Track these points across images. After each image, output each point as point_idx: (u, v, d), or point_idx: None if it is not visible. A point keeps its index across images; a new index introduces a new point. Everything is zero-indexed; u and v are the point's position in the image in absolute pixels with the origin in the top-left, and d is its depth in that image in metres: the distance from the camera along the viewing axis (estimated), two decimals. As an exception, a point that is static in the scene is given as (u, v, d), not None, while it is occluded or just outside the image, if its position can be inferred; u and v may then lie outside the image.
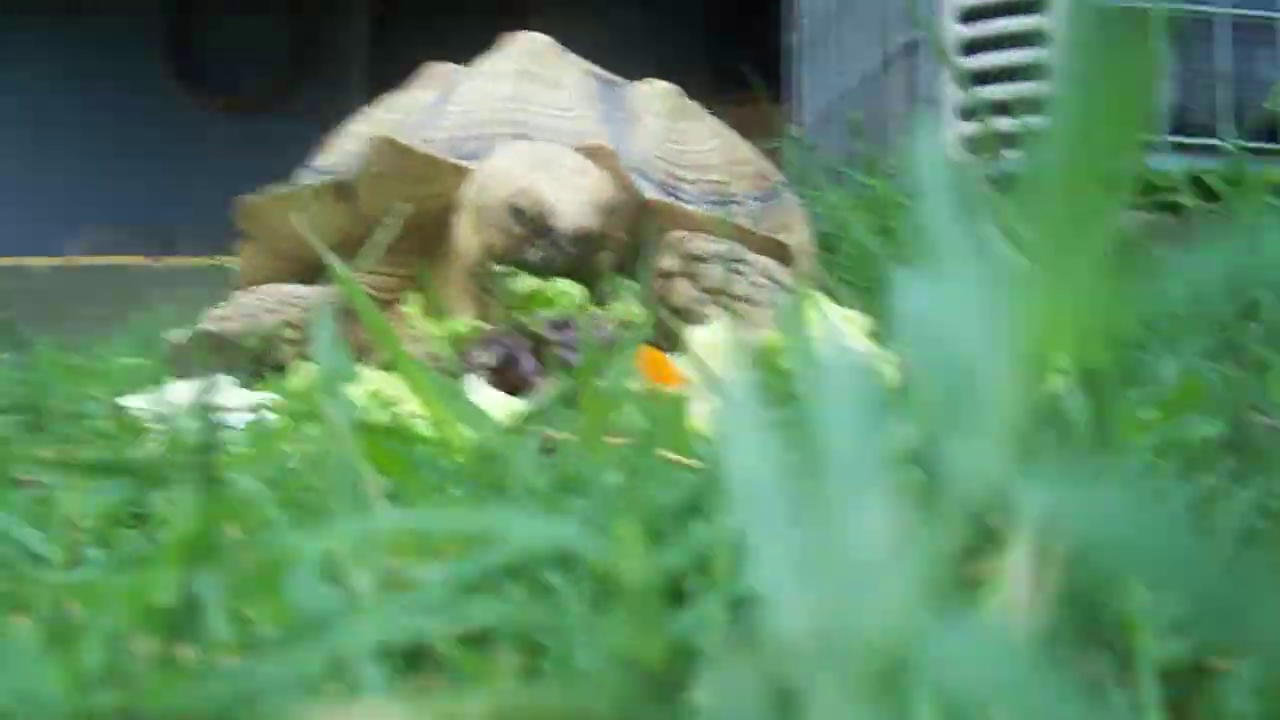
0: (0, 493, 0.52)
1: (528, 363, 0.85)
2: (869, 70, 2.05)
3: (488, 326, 0.93)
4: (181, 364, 1.13)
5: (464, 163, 1.16)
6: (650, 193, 1.18)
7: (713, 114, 1.37)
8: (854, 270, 1.52)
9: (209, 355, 1.09)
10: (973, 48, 1.74)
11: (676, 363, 0.96)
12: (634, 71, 1.45)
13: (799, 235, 1.29)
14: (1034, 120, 1.64)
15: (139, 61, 5.75)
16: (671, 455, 0.51)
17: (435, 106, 1.26)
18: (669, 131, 1.27)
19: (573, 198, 0.98)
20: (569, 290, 0.95)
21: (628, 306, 0.97)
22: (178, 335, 1.14)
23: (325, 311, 0.77)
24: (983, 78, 1.76)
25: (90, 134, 5.59)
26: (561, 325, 0.87)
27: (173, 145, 5.69)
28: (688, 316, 1.12)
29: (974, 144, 1.74)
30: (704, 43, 5.68)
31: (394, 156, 1.14)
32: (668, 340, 1.12)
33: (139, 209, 5.45)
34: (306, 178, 1.29)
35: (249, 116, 5.86)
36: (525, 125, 1.20)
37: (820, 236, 1.56)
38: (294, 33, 5.94)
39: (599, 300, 0.98)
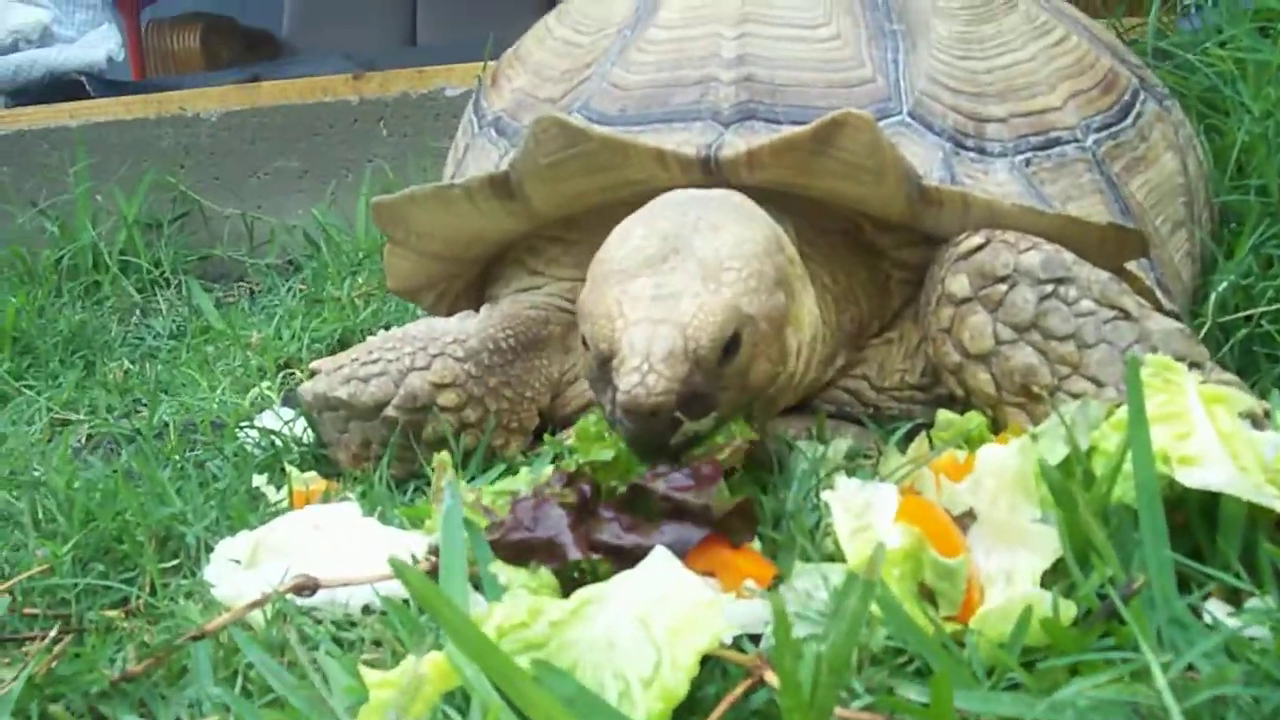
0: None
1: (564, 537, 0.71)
2: None
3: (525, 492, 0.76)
4: (319, 426, 0.90)
5: (658, 144, 0.83)
6: (935, 171, 0.81)
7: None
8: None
9: (344, 424, 0.85)
10: None
11: (956, 497, 0.66)
12: None
13: (1161, 186, 0.89)
14: None
15: None
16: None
17: (634, 27, 0.92)
18: (966, 42, 0.88)
19: (652, 348, 0.67)
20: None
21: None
22: (309, 389, 0.90)
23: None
24: None
25: None
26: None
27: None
28: (990, 366, 0.77)
29: None
30: None
31: (565, 140, 0.82)
32: (953, 408, 0.78)
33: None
34: (464, 136, 1.00)
35: None
36: (753, 61, 0.84)
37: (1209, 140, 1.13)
38: None
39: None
